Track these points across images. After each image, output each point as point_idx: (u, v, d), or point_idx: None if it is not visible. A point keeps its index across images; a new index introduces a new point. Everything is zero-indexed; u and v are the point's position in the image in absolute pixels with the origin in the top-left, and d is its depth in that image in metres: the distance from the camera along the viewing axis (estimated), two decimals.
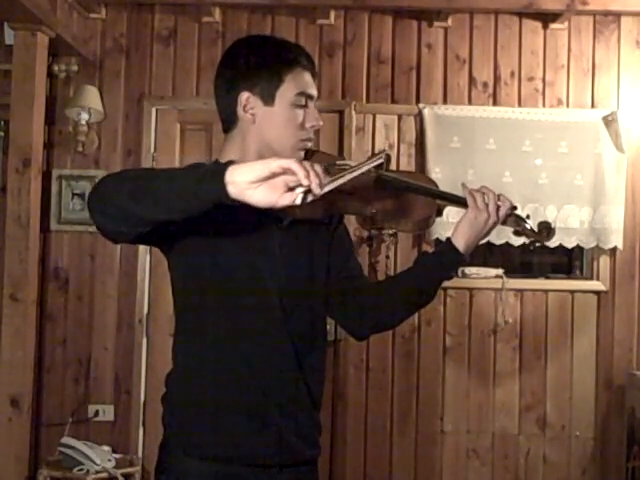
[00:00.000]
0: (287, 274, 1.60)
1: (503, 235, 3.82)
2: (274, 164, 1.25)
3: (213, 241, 1.56)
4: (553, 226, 1.71)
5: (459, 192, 1.70)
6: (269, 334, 1.58)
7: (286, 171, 1.25)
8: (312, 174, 1.25)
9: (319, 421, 1.70)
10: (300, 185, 1.25)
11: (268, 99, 1.60)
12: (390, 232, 3.84)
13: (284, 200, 1.26)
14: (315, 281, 1.66)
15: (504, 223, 1.71)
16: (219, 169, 1.27)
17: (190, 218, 1.38)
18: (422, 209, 1.66)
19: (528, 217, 1.71)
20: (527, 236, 1.71)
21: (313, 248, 1.66)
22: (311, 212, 1.60)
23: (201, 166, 1.32)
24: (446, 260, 1.66)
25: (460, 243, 1.64)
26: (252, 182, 1.25)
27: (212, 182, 1.27)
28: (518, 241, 3.80)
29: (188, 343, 1.62)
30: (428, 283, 1.69)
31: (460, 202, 1.69)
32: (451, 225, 3.80)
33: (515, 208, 1.70)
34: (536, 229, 1.70)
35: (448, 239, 1.66)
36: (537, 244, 1.72)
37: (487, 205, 1.62)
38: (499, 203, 1.63)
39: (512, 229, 1.72)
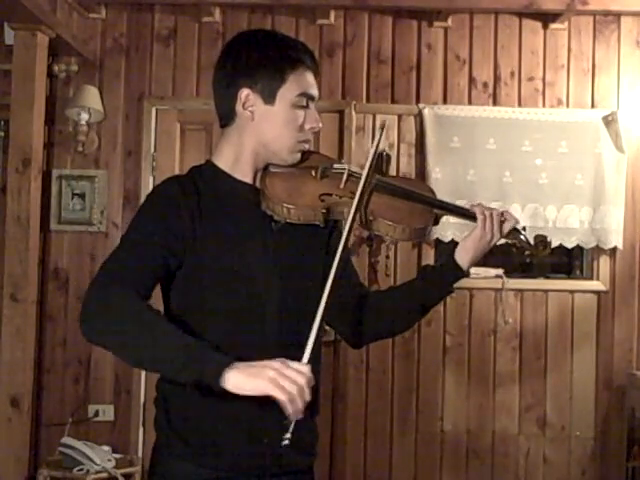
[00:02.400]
0: (281, 279, 1.58)
1: None
2: (269, 390, 1.30)
3: (206, 246, 1.54)
4: (549, 240, 1.71)
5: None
6: (265, 342, 1.56)
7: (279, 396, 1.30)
8: (298, 403, 1.30)
9: (316, 428, 1.69)
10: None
11: (269, 98, 1.57)
12: None
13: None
14: (310, 286, 1.60)
15: (502, 237, 1.71)
16: (218, 372, 1.32)
17: (188, 230, 1.51)
18: (420, 218, 1.63)
19: (524, 229, 1.71)
20: (524, 250, 1.70)
21: (307, 252, 1.63)
22: (307, 217, 1.58)
23: (199, 350, 1.36)
24: (448, 277, 1.66)
25: (464, 261, 1.65)
26: (246, 392, 1.33)
27: (212, 380, 1.33)
28: None
29: None
30: (430, 299, 1.69)
31: (459, 213, 1.69)
32: (451, 225, 3.83)
33: (516, 222, 1.70)
34: (532, 242, 1.70)
35: (451, 256, 1.65)
36: (533, 257, 1.71)
37: (492, 226, 1.62)
38: (503, 218, 1.64)
39: (509, 242, 1.71)
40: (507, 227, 1.65)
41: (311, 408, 1.64)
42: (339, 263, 1.48)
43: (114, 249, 1.54)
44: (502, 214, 1.65)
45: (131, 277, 1.47)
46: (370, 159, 1.60)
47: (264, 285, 1.57)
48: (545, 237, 1.71)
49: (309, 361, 1.35)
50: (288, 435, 1.32)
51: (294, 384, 1.30)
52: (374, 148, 1.62)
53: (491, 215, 1.63)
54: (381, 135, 1.65)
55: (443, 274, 1.67)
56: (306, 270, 1.56)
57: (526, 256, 1.71)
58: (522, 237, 1.69)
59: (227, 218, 1.58)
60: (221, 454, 1.55)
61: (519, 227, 1.69)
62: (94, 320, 1.43)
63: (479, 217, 1.63)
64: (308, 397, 1.31)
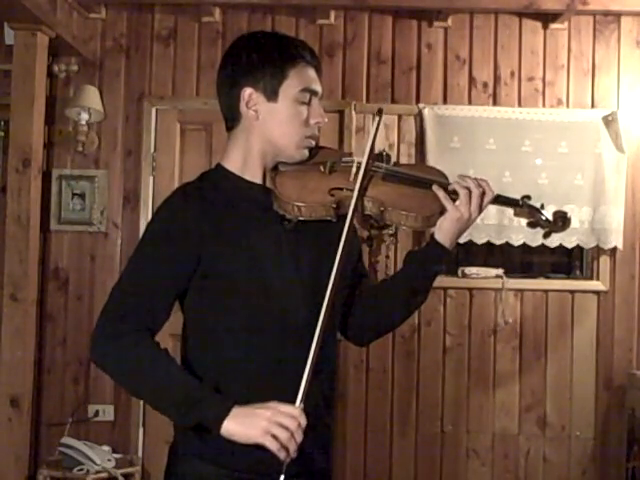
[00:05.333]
0: (298, 278, 1.58)
1: (503, 235, 3.83)
2: (261, 440, 1.40)
3: (219, 254, 1.54)
4: (569, 216, 1.68)
5: None
6: (284, 341, 1.55)
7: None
8: (290, 447, 1.39)
9: (333, 423, 1.68)
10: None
11: (271, 95, 1.58)
12: (390, 232, 3.84)
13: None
14: (324, 283, 1.55)
15: (517, 215, 1.68)
16: (217, 422, 1.42)
17: (197, 244, 1.53)
18: (432, 203, 1.60)
19: (542, 207, 1.68)
20: (542, 227, 1.68)
21: (323, 249, 1.61)
22: (318, 213, 1.58)
23: (199, 400, 1.46)
24: (433, 258, 1.64)
25: (445, 240, 1.62)
26: (241, 441, 1.43)
27: (212, 427, 1.43)
28: (518, 241, 3.82)
29: (202, 353, 1.58)
30: (420, 282, 1.68)
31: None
32: None
33: (529, 198, 1.68)
34: (551, 219, 1.67)
35: (432, 237, 1.63)
36: (552, 234, 1.69)
37: (470, 204, 1.59)
38: (484, 195, 1.61)
39: (526, 220, 1.69)
40: (486, 201, 1.62)
41: (329, 408, 1.64)
42: (340, 262, 1.49)
43: (123, 276, 1.56)
44: (483, 193, 1.60)
45: (143, 313, 1.51)
46: (370, 143, 1.59)
47: (281, 286, 1.57)
48: (565, 213, 1.68)
49: (306, 393, 1.42)
50: (282, 477, 1.40)
51: (286, 431, 1.39)
52: (372, 137, 1.60)
53: (470, 195, 1.59)
54: (379, 122, 1.62)
55: (427, 256, 1.65)
56: (324, 267, 1.55)
57: (545, 234, 1.69)
58: (542, 217, 1.67)
59: (239, 222, 1.58)
60: (240, 454, 1.52)
61: (536, 205, 1.67)
62: (105, 355, 1.52)
63: (462, 195, 1.59)
64: (300, 438, 1.40)
